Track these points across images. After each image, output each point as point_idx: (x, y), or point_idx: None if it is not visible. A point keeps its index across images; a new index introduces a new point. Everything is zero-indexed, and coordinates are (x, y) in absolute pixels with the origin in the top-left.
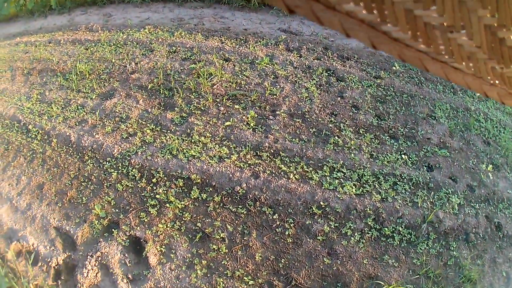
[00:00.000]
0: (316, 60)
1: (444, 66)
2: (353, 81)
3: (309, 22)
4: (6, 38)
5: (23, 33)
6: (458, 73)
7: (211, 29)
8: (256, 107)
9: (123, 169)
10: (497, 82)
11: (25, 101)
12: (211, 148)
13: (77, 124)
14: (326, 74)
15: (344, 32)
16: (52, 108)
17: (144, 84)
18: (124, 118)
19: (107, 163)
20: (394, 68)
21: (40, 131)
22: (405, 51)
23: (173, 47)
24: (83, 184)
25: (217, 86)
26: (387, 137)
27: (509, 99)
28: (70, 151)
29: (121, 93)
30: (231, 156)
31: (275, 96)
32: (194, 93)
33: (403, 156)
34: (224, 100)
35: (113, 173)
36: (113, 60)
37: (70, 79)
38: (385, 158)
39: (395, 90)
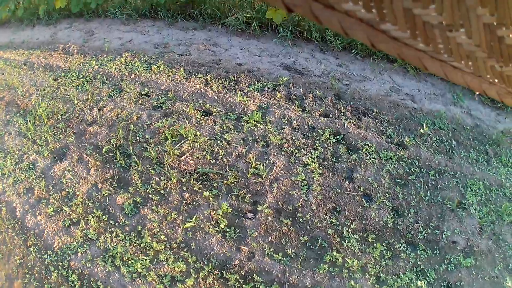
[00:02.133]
0: (323, 118)
1: (444, 65)
2: (369, 152)
3: (320, 56)
4: None
5: (8, 46)
6: (457, 72)
7: (197, 62)
8: (232, 196)
9: (63, 270)
10: (496, 80)
11: None
12: (163, 260)
13: (24, 192)
14: (334, 140)
15: (343, 31)
16: (6, 161)
17: (100, 143)
18: (70, 194)
19: (48, 257)
20: (421, 130)
21: None
22: (404, 50)
23: (146, 88)
24: (27, 276)
25: (187, 156)
26: (403, 244)
27: (508, 98)
28: (16, 229)
29: (74, 154)
30: (187, 277)
31: (260, 179)
32: (155, 166)
33: (419, 277)
34: (192, 181)
35: (53, 272)
36: (76, 102)
37: (30, 122)
38: (395, 282)
39: (420, 164)
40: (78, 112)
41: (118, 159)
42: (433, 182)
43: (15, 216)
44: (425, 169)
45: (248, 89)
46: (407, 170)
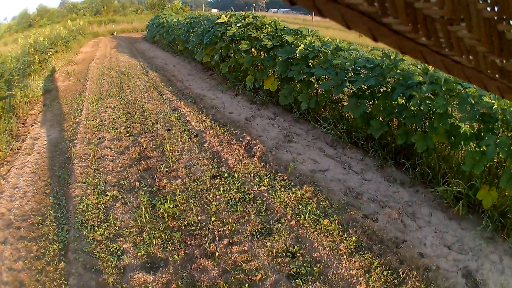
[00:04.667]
0: None
1: (445, 60)
2: None
3: (509, 262)
4: None
5: (195, 99)
6: (458, 66)
7: (376, 234)
8: None
9: None
10: (497, 76)
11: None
12: None
13: None
14: None
15: (345, 25)
16: None
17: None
18: None
19: None
20: None
21: None
22: (405, 43)
23: (296, 246)
24: None
25: None
26: None
27: (509, 94)
28: None
29: None
30: None
31: None
32: None
33: None
34: None
35: None
36: None
37: None
38: None
39: None
40: None
41: None
42: None
43: None
44: None
45: None
46: None
